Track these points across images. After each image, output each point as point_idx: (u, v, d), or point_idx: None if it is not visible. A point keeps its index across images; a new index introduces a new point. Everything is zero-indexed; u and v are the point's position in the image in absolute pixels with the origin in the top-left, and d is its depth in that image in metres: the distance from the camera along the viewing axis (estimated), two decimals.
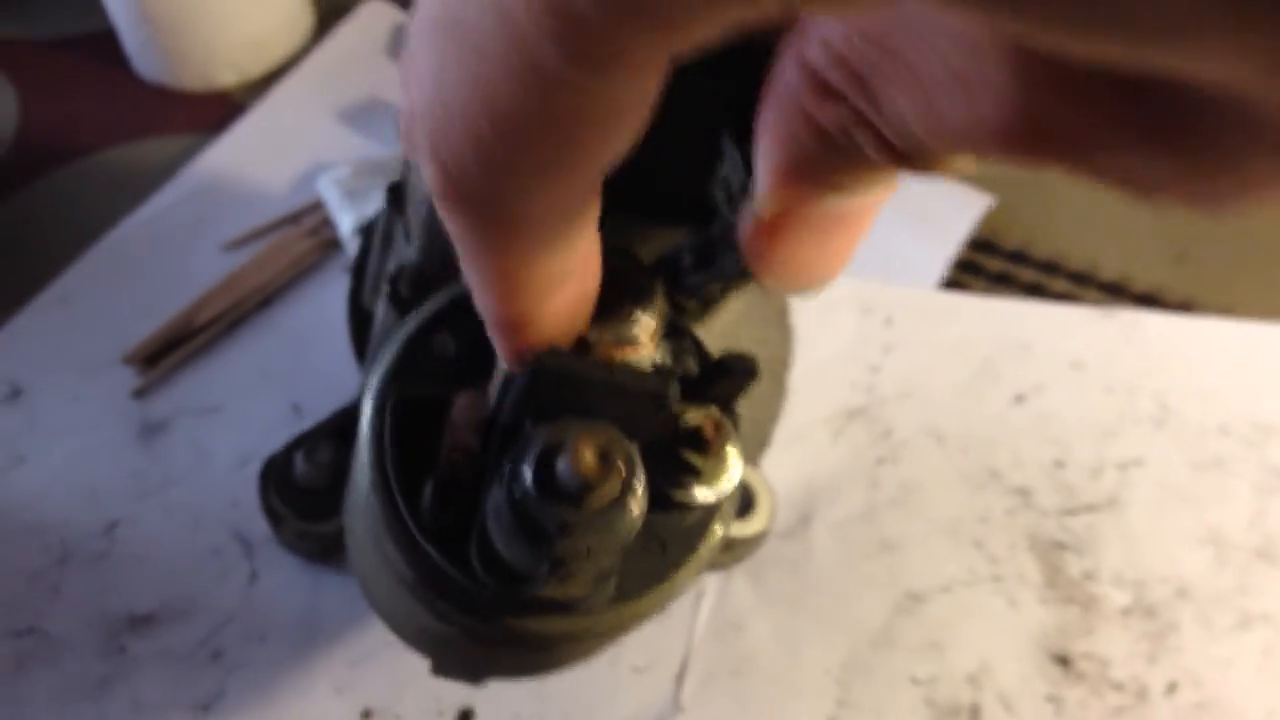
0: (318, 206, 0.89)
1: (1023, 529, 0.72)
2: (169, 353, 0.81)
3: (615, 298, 0.31)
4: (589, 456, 0.28)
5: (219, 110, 0.99)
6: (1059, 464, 0.75)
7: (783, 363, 0.76)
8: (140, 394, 0.79)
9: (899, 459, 0.75)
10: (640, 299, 0.32)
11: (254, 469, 0.76)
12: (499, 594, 0.33)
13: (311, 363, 0.81)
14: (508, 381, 0.30)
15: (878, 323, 0.81)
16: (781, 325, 0.78)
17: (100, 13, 0.99)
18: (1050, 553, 0.71)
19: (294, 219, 0.89)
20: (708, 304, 0.40)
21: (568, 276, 0.26)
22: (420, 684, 0.67)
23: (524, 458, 0.29)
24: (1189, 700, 0.66)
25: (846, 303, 0.82)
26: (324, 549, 0.72)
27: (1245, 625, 0.69)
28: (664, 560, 0.36)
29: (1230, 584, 0.71)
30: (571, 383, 0.29)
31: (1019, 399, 0.78)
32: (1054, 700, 0.66)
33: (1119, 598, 0.70)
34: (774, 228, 0.25)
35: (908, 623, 0.69)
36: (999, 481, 0.74)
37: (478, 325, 0.36)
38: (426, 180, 0.22)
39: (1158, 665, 0.67)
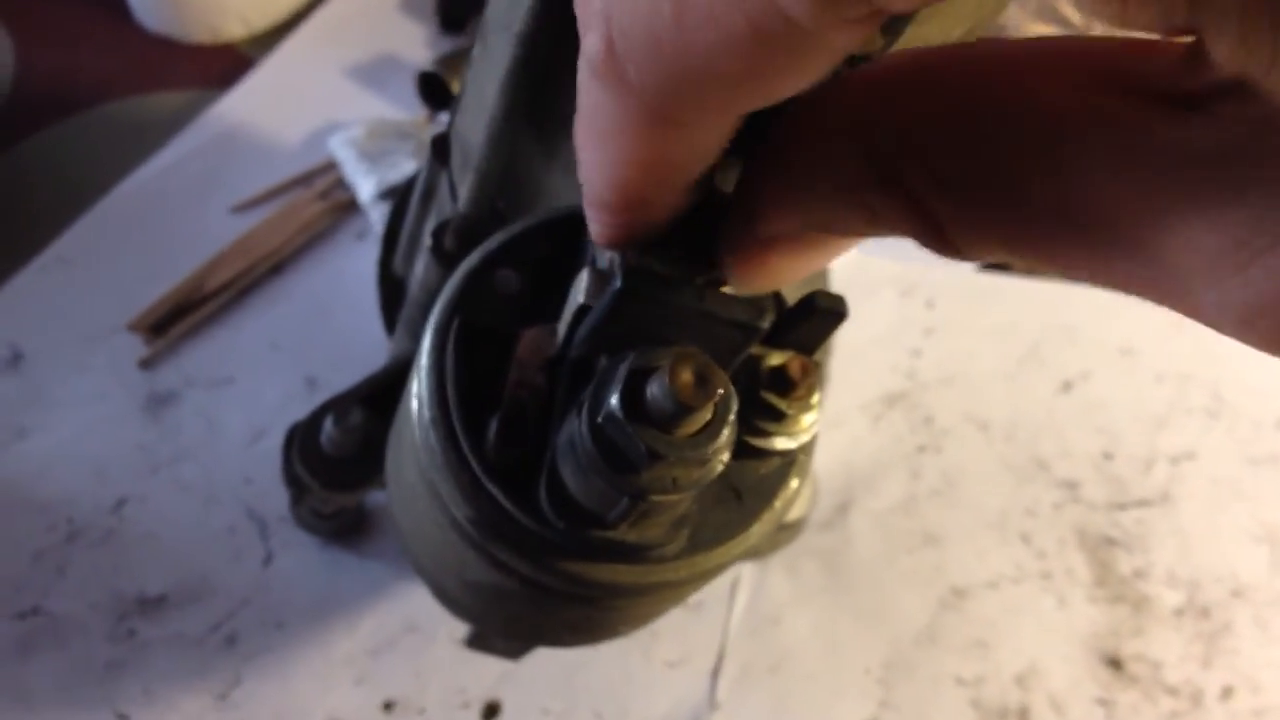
0: (330, 168, 0.86)
1: (1071, 523, 0.70)
2: (176, 320, 0.77)
3: (700, 233, 0.29)
4: (686, 377, 0.26)
5: (225, 64, 0.94)
6: (1108, 455, 0.72)
7: (825, 348, 0.73)
8: (147, 364, 0.75)
9: (941, 447, 0.72)
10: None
11: (267, 444, 0.73)
12: (568, 537, 0.30)
13: (326, 333, 0.77)
14: (580, 313, 0.28)
15: (919, 305, 0.78)
16: None
17: None
18: (1100, 549, 0.69)
19: (305, 180, 0.85)
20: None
21: (690, 176, 0.23)
22: (444, 674, 0.65)
23: (611, 382, 0.27)
24: (1246, 706, 0.64)
25: (886, 285, 0.79)
26: (342, 528, 0.69)
27: None
28: (740, 510, 0.33)
29: None
30: (660, 302, 0.26)
31: (1066, 386, 0.75)
32: (1105, 704, 0.64)
33: (1172, 597, 0.67)
34: (767, 247, 0.25)
35: (952, 619, 0.66)
36: (1046, 472, 0.72)
37: (543, 262, 0.33)
38: (585, 45, 0.20)
39: (1213, 669, 0.65)
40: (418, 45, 0.97)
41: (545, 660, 0.65)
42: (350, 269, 0.80)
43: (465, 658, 0.65)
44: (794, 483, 0.35)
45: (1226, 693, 0.64)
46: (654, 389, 0.26)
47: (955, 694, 0.64)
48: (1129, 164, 0.18)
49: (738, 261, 0.26)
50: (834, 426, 0.73)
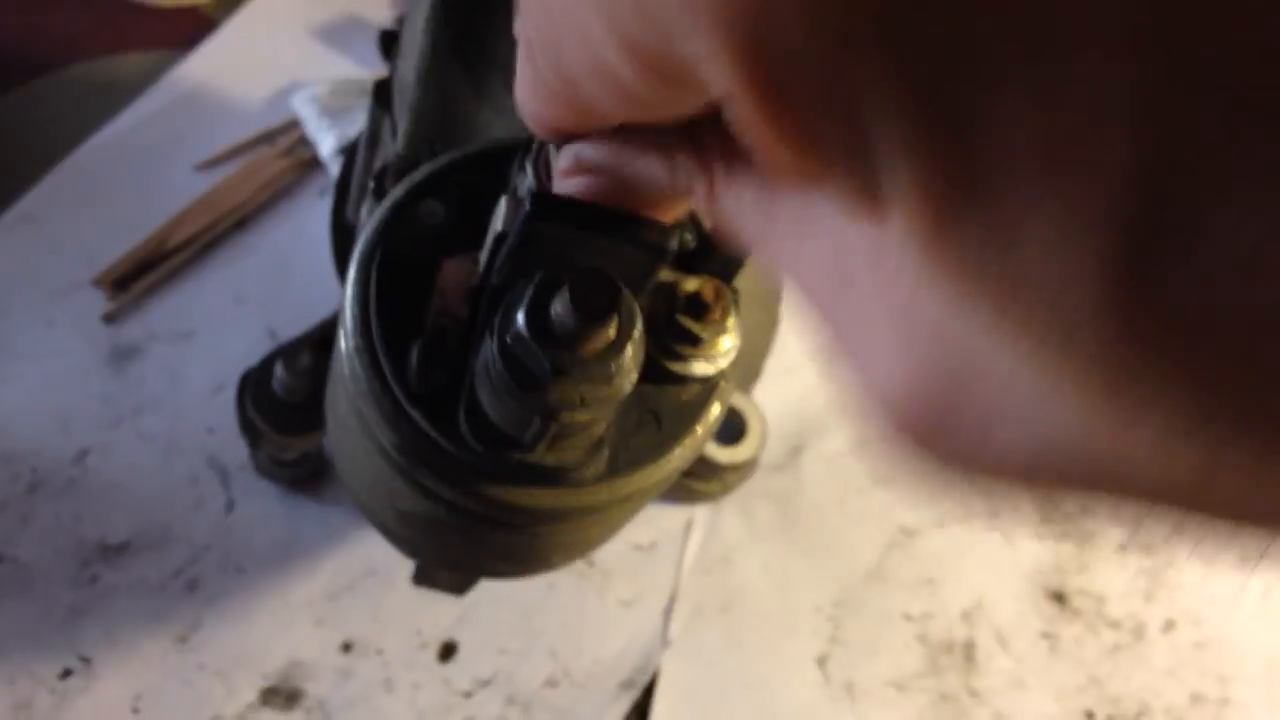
0: (293, 125, 0.86)
1: None
2: (140, 276, 0.78)
3: None
4: (587, 293, 0.27)
5: (191, 25, 0.95)
6: None
7: (775, 294, 0.74)
8: (111, 318, 0.76)
9: None
10: None
11: (229, 395, 0.73)
12: (487, 460, 0.31)
13: (288, 288, 0.78)
14: (499, 240, 0.29)
15: None
16: None
17: None
18: None
19: (269, 138, 0.86)
20: None
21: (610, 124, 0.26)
22: (402, 616, 0.66)
23: (518, 301, 0.27)
24: (1187, 639, 0.65)
25: None
26: (301, 475, 0.70)
27: (1244, 564, 0.68)
28: (660, 436, 0.34)
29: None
30: (569, 226, 0.27)
31: None
32: (1049, 637, 0.65)
33: (1115, 533, 0.69)
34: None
35: (901, 558, 0.68)
36: None
37: (468, 193, 0.33)
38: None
39: (1155, 603, 0.66)
40: (380, 5, 0.97)
41: (501, 601, 0.66)
42: (313, 224, 0.80)
43: (423, 600, 0.66)
44: (715, 408, 0.36)
45: (1168, 625, 0.66)
46: (557, 306, 0.27)
47: (903, 629, 0.65)
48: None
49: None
50: (787, 373, 0.74)
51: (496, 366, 0.28)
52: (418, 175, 0.36)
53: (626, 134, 0.25)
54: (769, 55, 0.15)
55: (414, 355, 0.32)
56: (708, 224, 0.27)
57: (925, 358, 0.17)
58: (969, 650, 0.64)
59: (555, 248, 0.27)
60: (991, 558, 0.67)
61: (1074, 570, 0.67)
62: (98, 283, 0.78)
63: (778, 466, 0.71)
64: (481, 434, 0.31)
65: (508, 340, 0.27)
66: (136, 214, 0.81)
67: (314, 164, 0.85)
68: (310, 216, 0.82)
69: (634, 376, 0.29)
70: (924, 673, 0.64)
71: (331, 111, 0.84)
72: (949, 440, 0.18)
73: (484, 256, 0.31)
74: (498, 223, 0.29)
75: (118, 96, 0.89)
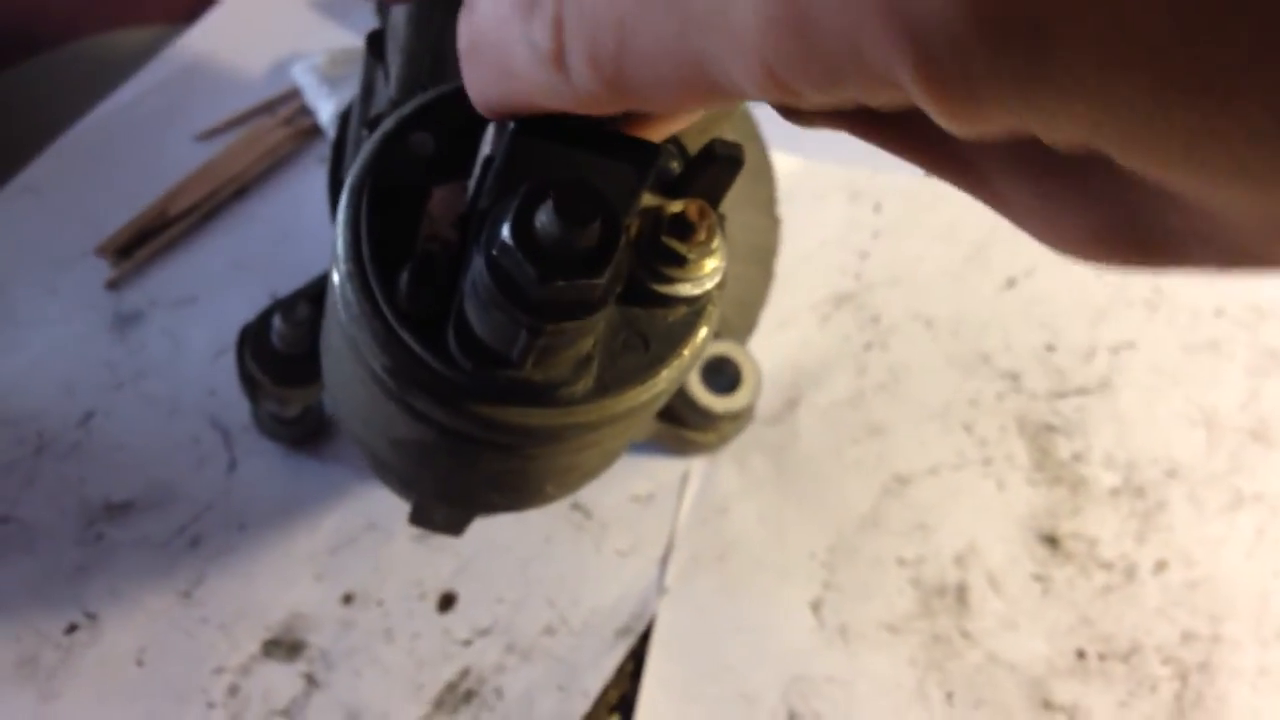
0: (293, 95, 0.87)
1: (1012, 412, 0.71)
2: (142, 244, 0.79)
3: None
4: (568, 202, 0.27)
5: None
6: (1050, 348, 0.74)
7: (770, 249, 0.75)
8: (114, 285, 0.77)
9: (887, 344, 0.74)
10: None
11: (231, 359, 0.74)
12: (476, 379, 0.31)
13: (288, 253, 0.79)
14: (487, 164, 0.29)
15: (866, 209, 0.79)
16: (769, 212, 0.76)
17: None
18: (1040, 435, 0.70)
19: (269, 108, 0.87)
20: None
21: None
22: (402, 568, 0.67)
23: (504, 214, 0.28)
24: (1179, 579, 0.66)
25: (835, 190, 0.80)
26: (303, 434, 0.71)
27: (1237, 505, 0.68)
28: (647, 357, 0.35)
29: (1222, 465, 0.70)
30: (554, 142, 0.28)
31: (1009, 283, 0.76)
32: (1041, 579, 0.66)
33: (1108, 478, 0.69)
34: None
35: (894, 505, 0.68)
36: (989, 365, 0.73)
37: (458, 124, 0.34)
38: (531, 25, 0.23)
39: (1147, 544, 0.67)
40: None
41: (500, 552, 0.67)
42: (312, 192, 0.81)
43: (423, 553, 0.67)
44: (703, 331, 0.36)
45: (1160, 566, 0.66)
46: (542, 216, 0.27)
47: (896, 574, 0.66)
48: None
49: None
50: (783, 327, 0.74)
51: (484, 279, 0.28)
52: (407, 108, 0.36)
53: None
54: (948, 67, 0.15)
55: (403, 279, 0.32)
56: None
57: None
58: (961, 593, 0.65)
59: (541, 166, 0.28)
60: (984, 504, 0.68)
61: (1066, 514, 0.68)
62: (100, 251, 0.79)
63: (773, 419, 0.71)
64: (470, 352, 0.31)
65: (494, 252, 0.28)
66: (138, 184, 0.82)
67: (314, 132, 0.85)
68: (310, 184, 0.83)
69: (618, 286, 0.29)
70: (916, 615, 0.65)
71: (331, 80, 0.85)
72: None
73: (473, 183, 0.31)
74: (486, 147, 0.30)
75: (120, 70, 0.90)
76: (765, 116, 0.73)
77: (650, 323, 0.35)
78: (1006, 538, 0.67)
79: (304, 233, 0.80)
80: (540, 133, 0.28)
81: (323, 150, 0.84)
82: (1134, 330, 0.74)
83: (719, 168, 0.34)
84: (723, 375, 0.66)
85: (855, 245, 0.78)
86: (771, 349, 0.73)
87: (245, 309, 0.76)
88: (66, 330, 0.75)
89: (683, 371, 0.36)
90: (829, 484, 0.69)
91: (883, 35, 0.15)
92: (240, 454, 0.71)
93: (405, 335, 0.32)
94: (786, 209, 0.75)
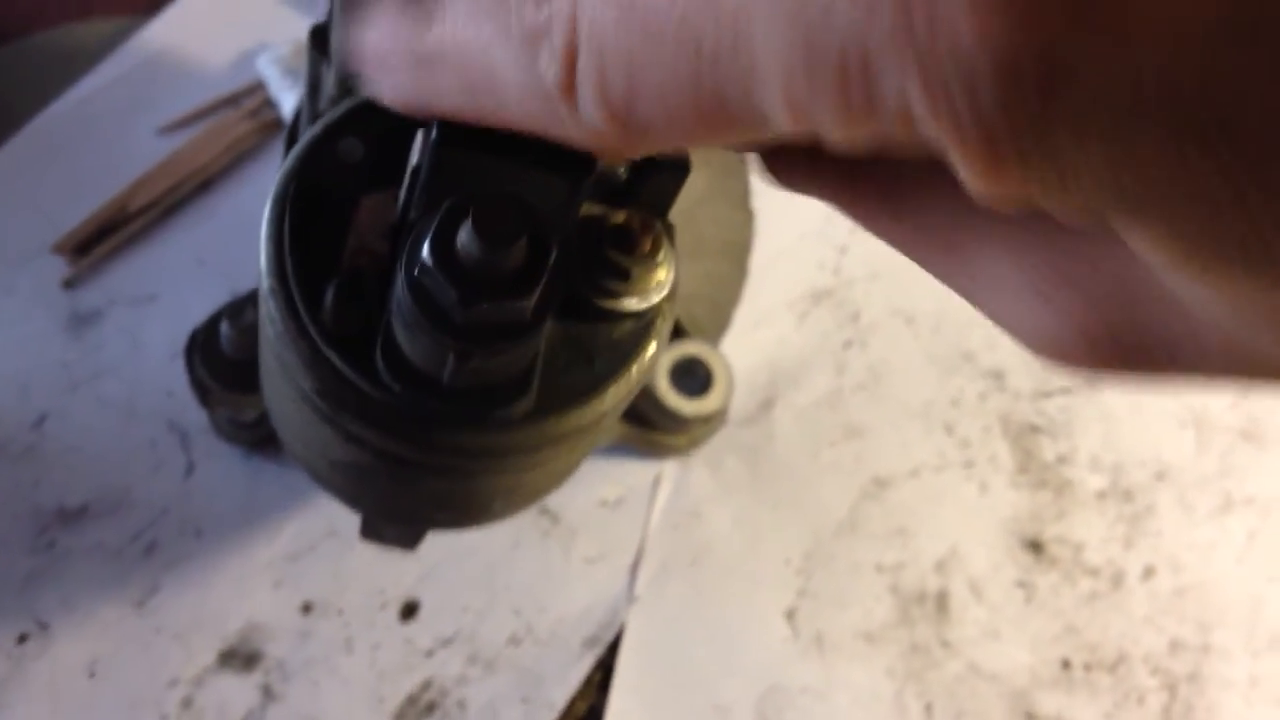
0: (258, 87, 0.85)
1: (995, 412, 0.69)
2: (101, 241, 0.77)
3: None
4: (488, 220, 0.25)
5: None
6: None
7: (744, 245, 0.73)
8: (70, 284, 0.75)
9: (867, 342, 0.72)
10: None
11: None
12: (407, 401, 0.29)
13: (251, 249, 0.75)
14: (416, 174, 0.28)
15: None
16: (743, 207, 0.74)
17: None
18: (1024, 436, 0.68)
19: (233, 100, 0.85)
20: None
21: None
22: (363, 576, 0.65)
23: (424, 232, 0.26)
24: (1167, 585, 0.63)
25: None
26: (262, 437, 0.69)
27: (1228, 508, 0.66)
28: (591, 375, 0.33)
29: (1213, 466, 0.68)
30: (480, 152, 0.26)
31: None
32: (1025, 586, 0.63)
33: (1095, 481, 0.67)
34: None
35: (873, 509, 0.66)
36: (972, 364, 0.71)
37: (388, 129, 0.32)
38: (538, 58, 0.21)
39: (1134, 549, 0.65)
40: None
41: (464, 559, 0.65)
42: None
43: (385, 560, 0.65)
44: (651, 347, 0.34)
45: (1148, 572, 0.64)
46: (463, 235, 0.26)
47: (874, 580, 0.64)
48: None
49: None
50: (760, 325, 0.72)
51: (406, 301, 0.27)
52: (335, 112, 0.34)
53: None
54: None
55: (329, 295, 0.30)
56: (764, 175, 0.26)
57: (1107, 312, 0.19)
58: (942, 601, 0.63)
59: (470, 178, 0.26)
60: (966, 508, 0.66)
61: (1051, 519, 0.65)
62: (58, 249, 0.76)
63: (748, 420, 0.69)
64: (399, 374, 0.29)
65: (415, 273, 0.26)
66: (99, 179, 0.80)
67: (278, 125, 0.83)
68: (273, 178, 0.80)
69: (552, 305, 0.27)
70: (895, 624, 0.63)
71: (295, 72, 0.83)
72: (1134, 369, 0.20)
73: (403, 192, 0.30)
74: (414, 156, 0.29)
75: (82, 62, 0.87)
76: None
77: (594, 338, 0.33)
78: (989, 543, 0.65)
79: None
80: (465, 143, 0.26)
81: None
82: None
83: (664, 175, 0.32)
84: (693, 377, 0.64)
85: (834, 239, 0.75)
86: (746, 348, 0.70)
87: (206, 306, 0.74)
88: (22, 330, 0.73)
89: (631, 389, 0.34)
90: (805, 487, 0.67)
91: (899, 64, 0.15)
92: (198, 457, 0.69)
93: (332, 355, 0.30)
94: (761, 202, 0.72)
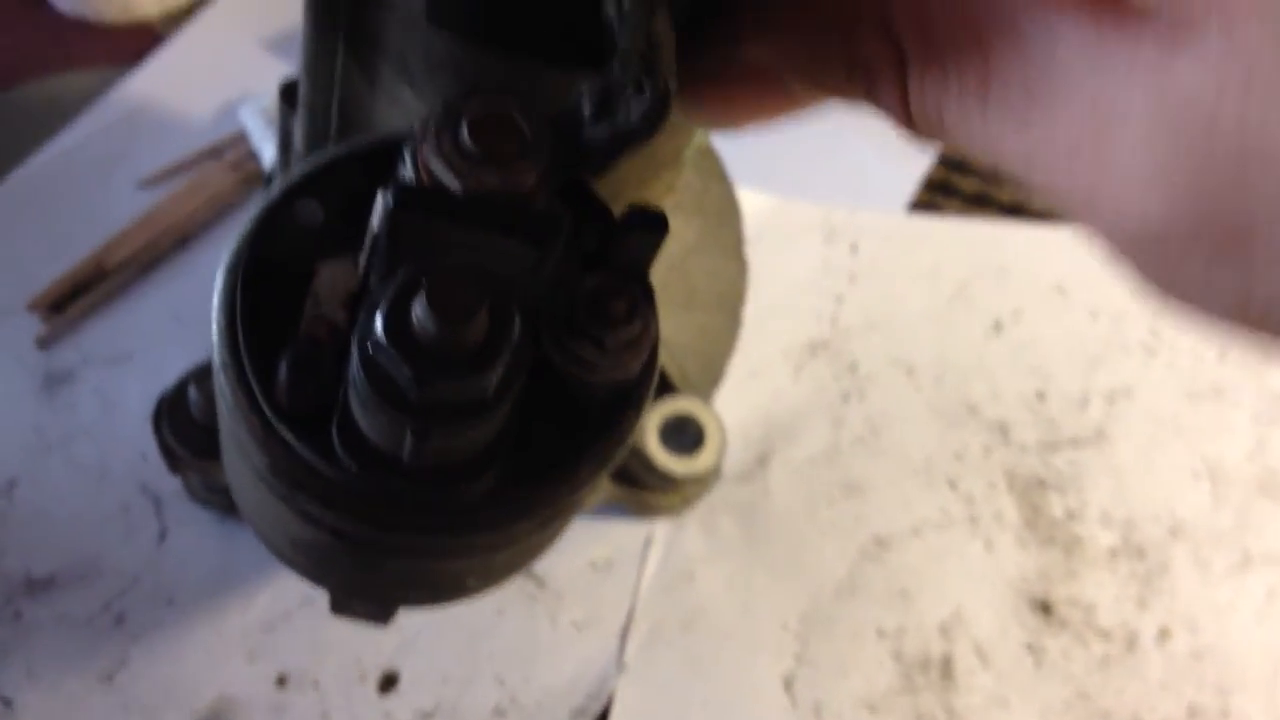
0: (241, 139, 0.83)
1: (1001, 466, 0.66)
2: (77, 298, 0.75)
3: (499, 144, 0.27)
4: (443, 295, 0.24)
5: (140, 42, 0.92)
6: (1040, 395, 0.69)
7: (737, 295, 0.70)
8: (45, 343, 0.73)
9: (865, 394, 0.69)
10: (524, 146, 0.27)
11: None
12: (364, 481, 0.27)
13: None
14: (375, 241, 0.26)
15: (842, 250, 0.75)
16: (736, 256, 0.72)
17: None
18: (1031, 491, 0.65)
19: (215, 152, 0.83)
20: (605, 162, 0.34)
21: None
22: (341, 647, 0.62)
23: (378, 305, 0.25)
24: (1183, 648, 0.60)
25: (808, 230, 0.75)
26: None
27: (1246, 566, 0.63)
28: (564, 449, 0.30)
29: (1229, 521, 0.65)
30: (438, 219, 0.25)
31: (996, 327, 0.71)
32: (1034, 650, 0.61)
33: (1105, 538, 0.64)
34: (736, 81, 0.28)
35: (874, 570, 0.63)
36: (975, 415, 0.68)
37: (349, 191, 0.30)
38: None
39: (1148, 610, 0.62)
40: None
41: (446, 627, 0.62)
42: None
43: (363, 629, 0.62)
44: (629, 418, 0.32)
45: (1163, 634, 0.61)
46: (417, 309, 0.24)
47: (875, 646, 0.61)
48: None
49: (707, 92, 0.28)
50: (754, 377, 0.69)
51: (359, 377, 0.25)
52: (294, 174, 0.32)
53: (803, 26, 0.25)
54: None
55: (283, 368, 0.28)
56: (901, 121, 0.25)
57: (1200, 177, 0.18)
58: (946, 666, 0.60)
59: (429, 245, 0.25)
60: (970, 567, 0.63)
61: (1060, 578, 0.62)
62: (32, 307, 0.74)
63: (743, 476, 0.66)
64: (357, 453, 0.27)
65: (368, 348, 0.25)
66: (77, 235, 0.78)
67: (260, 177, 0.81)
68: None
69: (518, 380, 0.26)
70: (898, 691, 0.60)
71: (277, 122, 0.81)
72: (1202, 274, 0.19)
73: (363, 259, 0.28)
74: (374, 222, 0.27)
75: (62, 115, 0.86)
76: (731, 154, 0.69)
77: (568, 409, 0.31)
78: (995, 604, 0.62)
79: None
80: (424, 208, 0.25)
81: None
82: (1131, 376, 0.69)
83: (641, 236, 0.30)
84: (684, 435, 0.61)
85: (830, 289, 0.73)
86: (740, 401, 0.68)
87: (182, 365, 0.71)
88: None
89: (607, 464, 0.32)
90: (803, 547, 0.64)
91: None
92: (171, 522, 0.66)
93: (285, 433, 0.28)
94: (756, 251, 0.70)
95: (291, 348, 0.28)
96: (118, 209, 0.79)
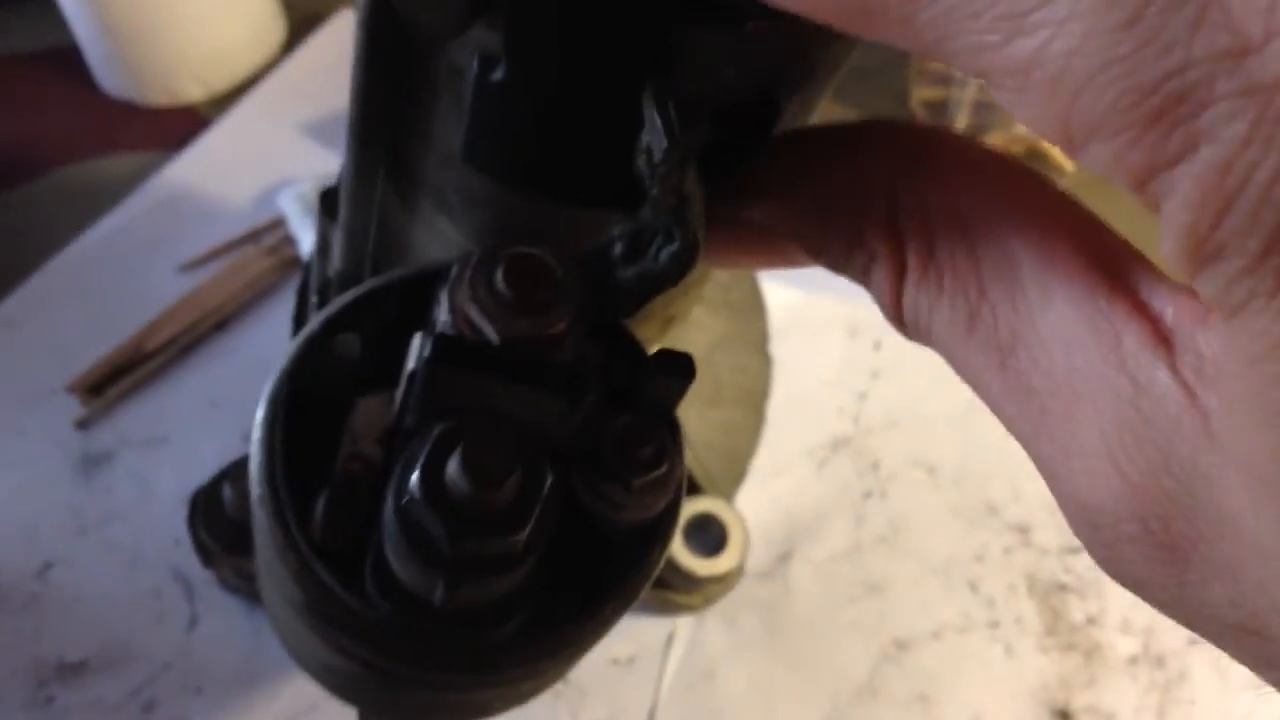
0: (279, 224, 0.85)
1: (1021, 569, 0.67)
2: (115, 381, 0.76)
3: (533, 291, 0.28)
4: (477, 457, 0.25)
5: (184, 125, 0.94)
6: None
7: (761, 392, 0.71)
8: (83, 425, 0.75)
9: (887, 493, 0.70)
10: (557, 292, 0.28)
11: None
12: (396, 621, 0.28)
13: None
14: (411, 379, 0.27)
15: (866, 347, 0.76)
16: (761, 352, 0.73)
17: (64, 27, 0.95)
18: (1051, 595, 0.66)
19: (254, 237, 0.85)
20: (637, 303, 0.35)
21: None
22: None
23: (414, 460, 0.25)
24: None
25: (833, 326, 0.76)
26: None
27: None
28: (589, 587, 0.31)
29: None
30: (474, 370, 0.26)
31: None
32: None
33: (1126, 645, 0.64)
34: (737, 231, 0.29)
35: (894, 673, 0.63)
36: (996, 517, 0.69)
37: (388, 325, 0.31)
38: None
39: None
40: None
41: None
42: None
43: None
44: (656, 557, 0.32)
45: None
46: (452, 467, 0.25)
47: None
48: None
49: (710, 234, 0.28)
50: (776, 474, 0.70)
51: (393, 529, 0.26)
52: (333, 307, 0.33)
53: (815, 197, 0.25)
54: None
55: (319, 505, 0.29)
56: (890, 316, 0.25)
57: (1149, 479, 0.18)
58: None
59: (464, 392, 0.26)
60: (991, 672, 0.63)
61: (1080, 685, 0.63)
62: (72, 389, 0.76)
63: (765, 574, 0.67)
64: (389, 593, 0.28)
65: (404, 503, 0.26)
66: (117, 317, 0.80)
67: (297, 263, 0.83)
68: (290, 316, 0.80)
69: (549, 532, 0.27)
70: None
71: (315, 209, 0.83)
72: (1142, 568, 0.19)
73: (400, 395, 0.29)
74: (411, 360, 0.27)
75: (106, 199, 0.88)
76: None
77: (595, 548, 0.31)
78: (1016, 711, 0.62)
79: None
80: (459, 360, 0.25)
81: None
82: None
83: (667, 380, 0.31)
84: (707, 534, 0.62)
85: (854, 385, 0.74)
86: (763, 498, 0.69)
87: (218, 449, 0.73)
88: (31, 473, 0.72)
89: (631, 602, 0.32)
90: (824, 647, 0.64)
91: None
92: (202, 609, 0.67)
93: (319, 570, 0.29)
94: (780, 346, 0.71)
95: (329, 486, 0.29)
96: (158, 292, 0.81)
